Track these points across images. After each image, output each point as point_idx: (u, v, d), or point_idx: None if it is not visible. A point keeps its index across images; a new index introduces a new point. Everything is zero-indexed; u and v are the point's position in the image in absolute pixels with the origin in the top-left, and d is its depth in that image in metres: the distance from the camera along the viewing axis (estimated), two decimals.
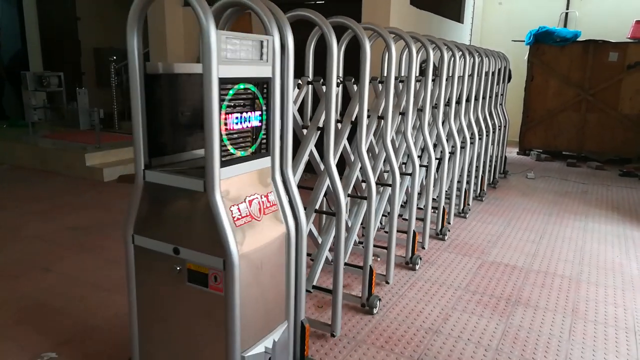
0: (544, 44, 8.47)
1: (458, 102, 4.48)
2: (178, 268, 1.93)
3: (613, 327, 2.96)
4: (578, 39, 8.32)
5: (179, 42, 7.30)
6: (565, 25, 9.49)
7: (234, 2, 1.99)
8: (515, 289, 3.44)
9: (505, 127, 6.59)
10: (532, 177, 7.10)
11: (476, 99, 4.99)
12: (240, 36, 1.79)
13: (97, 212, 4.95)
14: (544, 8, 9.75)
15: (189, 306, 1.96)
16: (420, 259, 3.77)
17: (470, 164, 5.10)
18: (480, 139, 5.21)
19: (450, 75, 4.18)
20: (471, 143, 4.86)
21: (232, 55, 1.76)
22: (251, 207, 1.93)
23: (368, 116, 3.17)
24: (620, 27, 8.62)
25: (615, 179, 7.23)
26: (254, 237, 1.92)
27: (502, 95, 6.49)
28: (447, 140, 4.23)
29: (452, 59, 4.11)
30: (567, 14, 9.61)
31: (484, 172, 5.77)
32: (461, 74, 4.49)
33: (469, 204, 5.21)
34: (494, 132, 5.93)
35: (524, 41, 8.67)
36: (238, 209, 1.87)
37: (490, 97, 5.77)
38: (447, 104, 4.29)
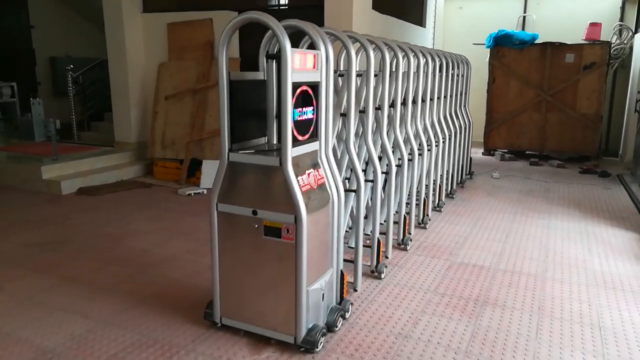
0: (504, 46, 8.66)
1: (403, 104, 4.20)
2: (256, 225, 2.55)
3: (579, 323, 3.00)
4: (536, 42, 8.54)
5: (138, 50, 7.11)
6: (523, 28, 9.75)
7: (292, 26, 2.65)
8: (483, 290, 3.45)
9: (468, 128, 6.68)
10: (497, 176, 7.21)
11: (423, 100, 4.70)
12: (302, 52, 2.50)
13: (54, 227, 4.73)
14: (502, 12, 9.99)
15: (264, 254, 2.58)
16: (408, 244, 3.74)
17: (428, 171, 4.99)
18: (443, 141, 5.23)
19: (394, 72, 3.96)
20: (427, 150, 4.78)
21: (297, 66, 2.42)
22: (309, 178, 2.60)
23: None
24: (576, 30, 8.91)
25: (576, 176, 7.43)
26: (313, 200, 2.58)
27: (463, 96, 6.57)
28: (393, 152, 3.99)
29: (395, 59, 3.99)
30: (524, 17, 9.87)
31: (453, 172, 5.82)
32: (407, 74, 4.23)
33: (443, 201, 5.23)
34: (459, 134, 6.00)
35: (485, 44, 8.85)
36: (302, 179, 2.52)
37: (450, 97, 5.83)
38: (392, 105, 4.00)
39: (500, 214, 5.32)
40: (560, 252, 4.21)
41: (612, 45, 8.59)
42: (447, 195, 5.81)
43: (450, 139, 5.57)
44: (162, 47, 7.00)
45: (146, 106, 7.20)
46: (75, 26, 9.42)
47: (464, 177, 6.74)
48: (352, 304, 3.09)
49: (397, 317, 3.03)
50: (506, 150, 8.97)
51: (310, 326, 2.62)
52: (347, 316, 2.98)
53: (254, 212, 2.53)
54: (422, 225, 4.78)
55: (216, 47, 2.49)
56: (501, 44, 8.66)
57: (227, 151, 2.55)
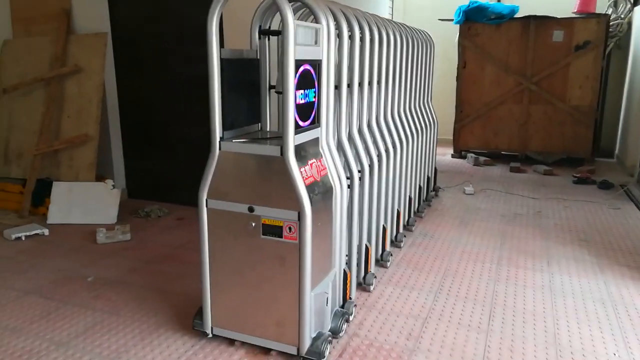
0: (477, 22, 6.91)
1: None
2: (253, 224, 2.23)
3: None
4: (516, 16, 6.82)
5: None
6: (499, 0, 8.02)
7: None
8: None
9: (432, 129, 4.90)
10: (470, 192, 5.49)
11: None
12: (305, 25, 2.16)
13: None
14: None
15: (262, 255, 2.26)
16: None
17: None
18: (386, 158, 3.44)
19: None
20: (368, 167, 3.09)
21: (300, 40, 2.09)
22: (312, 169, 2.27)
23: None
24: (564, 1, 7.22)
25: (570, 188, 5.78)
26: (317, 194, 2.25)
27: (425, 87, 4.78)
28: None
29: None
30: None
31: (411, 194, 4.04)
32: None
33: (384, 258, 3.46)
34: (420, 138, 4.21)
35: (453, 20, 7.08)
36: (304, 170, 2.19)
37: (405, 88, 4.05)
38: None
39: (478, 265, 3.58)
40: (581, 352, 2.49)
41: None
42: (405, 227, 4.02)
43: (404, 150, 3.78)
44: (4, 17, 4.95)
45: None
46: None
47: (428, 194, 5.01)
48: (355, 305, 2.77)
49: None
50: (481, 151, 7.28)
51: (314, 334, 2.32)
52: (350, 319, 2.68)
53: (250, 209, 2.22)
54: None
55: (209, 24, 2.06)
56: (473, 19, 6.90)
57: (218, 140, 2.23)
